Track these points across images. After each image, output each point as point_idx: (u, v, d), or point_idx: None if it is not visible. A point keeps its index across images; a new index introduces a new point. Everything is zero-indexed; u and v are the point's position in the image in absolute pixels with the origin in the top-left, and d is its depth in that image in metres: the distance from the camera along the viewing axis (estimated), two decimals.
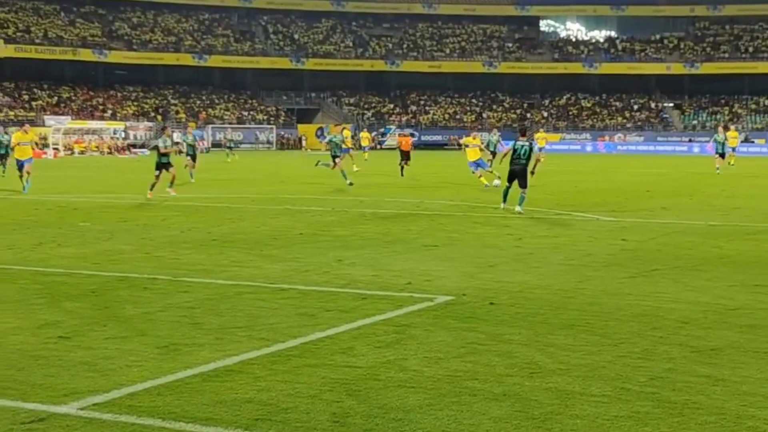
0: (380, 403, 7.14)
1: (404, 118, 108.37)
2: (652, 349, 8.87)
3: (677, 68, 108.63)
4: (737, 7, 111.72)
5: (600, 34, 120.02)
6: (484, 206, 24.99)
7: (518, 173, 23.55)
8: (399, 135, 44.94)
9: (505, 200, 23.79)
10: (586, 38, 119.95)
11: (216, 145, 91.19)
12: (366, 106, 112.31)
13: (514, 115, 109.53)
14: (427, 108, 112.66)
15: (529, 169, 24.78)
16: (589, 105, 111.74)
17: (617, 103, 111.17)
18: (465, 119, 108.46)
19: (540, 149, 39.07)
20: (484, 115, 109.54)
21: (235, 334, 9.39)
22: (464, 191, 30.90)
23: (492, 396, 7.36)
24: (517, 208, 22.90)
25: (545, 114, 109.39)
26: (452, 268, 13.98)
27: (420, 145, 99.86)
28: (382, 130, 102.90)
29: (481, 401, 7.23)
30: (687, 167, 52.57)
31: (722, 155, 43.77)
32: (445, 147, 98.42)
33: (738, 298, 11.57)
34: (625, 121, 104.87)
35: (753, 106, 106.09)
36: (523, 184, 23.49)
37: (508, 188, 24.01)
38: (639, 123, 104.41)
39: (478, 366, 8.22)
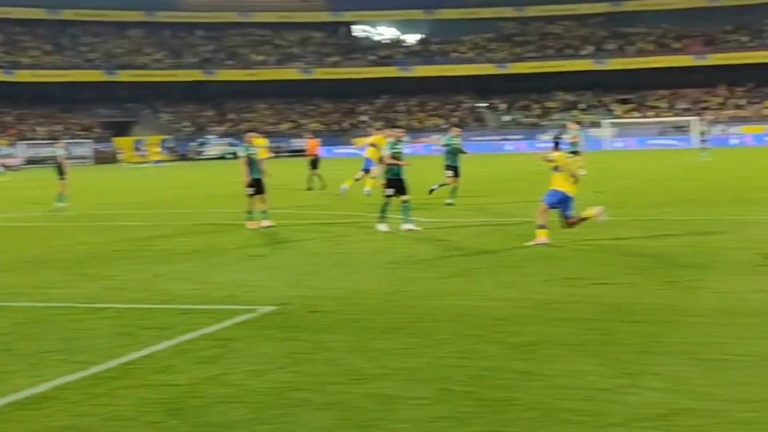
0: (202, 420, 7.06)
1: (223, 128, 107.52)
2: (472, 348, 9.04)
3: (488, 69, 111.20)
4: (540, 8, 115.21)
5: (413, 38, 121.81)
6: (305, 213, 25.00)
7: (399, 180, 20.44)
8: (309, 138, 38.75)
9: (385, 216, 20.34)
10: (400, 41, 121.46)
11: (30, 161, 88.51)
12: (184, 116, 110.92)
13: (333, 120, 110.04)
14: (245, 116, 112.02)
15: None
16: (406, 107, 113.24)
17: (433, 104, 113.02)
18: (283, 126, 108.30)
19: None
20: (303, 122, 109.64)
21: (50, 358, 9.11)
22: (288, 199, 30.84)
23: (316, 405, 7.36)
24: (405, 226, 19.97)
25: (364, 118, 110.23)
26: (275, 277, 13.94)
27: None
28: (200, 140, 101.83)
29: (305, 411, 7.23)
30: (502, 165, 53.82)
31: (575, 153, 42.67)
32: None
33: (552, 292, 11.91)
34: (441, 121, 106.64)
35: (561, 103, 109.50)
36: (403, 191, 20.31)
37: (389, 198, 20.34)
38: (454, 123, 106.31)
39: (302, 375, 8.21)
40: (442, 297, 11.84)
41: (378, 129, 38.99)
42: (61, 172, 30.59)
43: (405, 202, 20.04)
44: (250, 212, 21.69)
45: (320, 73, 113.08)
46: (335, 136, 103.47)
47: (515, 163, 54.60)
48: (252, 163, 21.88)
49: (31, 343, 9.87)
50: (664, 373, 8.00)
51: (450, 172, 25.93)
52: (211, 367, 8.58)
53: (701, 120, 72.59)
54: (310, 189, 34.78)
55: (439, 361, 8.59)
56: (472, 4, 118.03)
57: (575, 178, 17.21)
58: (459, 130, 28.16)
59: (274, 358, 8.86)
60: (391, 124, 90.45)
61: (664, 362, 8.37)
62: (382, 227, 19.78)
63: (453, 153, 26.54)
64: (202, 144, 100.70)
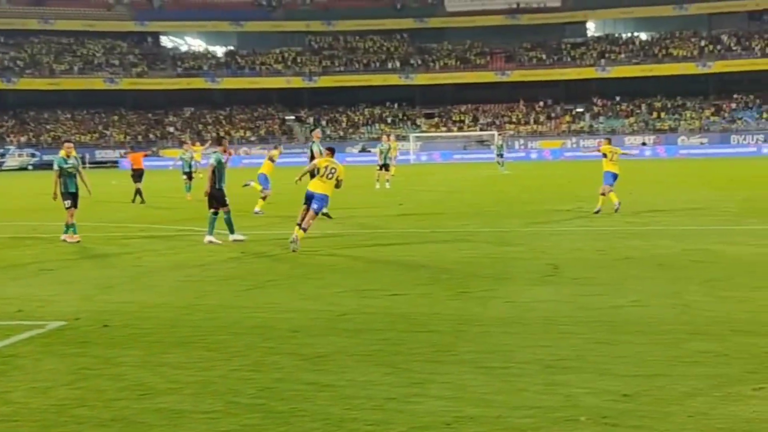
0: None
1: (24, 138, 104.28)
2: (263, 360, 9.04)
3: (296, 82, 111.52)
4: (349, 22, 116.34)
5: (221, 49, 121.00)
6: (105, 225, 24.48)
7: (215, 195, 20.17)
8: (132, 153, 36.83)
9: (211, 230, 20.05)
10: (207, 53, 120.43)
11: None
12: None
13: (139, 131, 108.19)
14: (48, 127, 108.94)
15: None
16: (214, 119, 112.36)
17: (241, 116, 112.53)
18: (87, 137, 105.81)
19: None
20: (108, 132, 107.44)
21: None
22: (86, 212, 30.07)
23: (100, 422, 7.23)
24: (232, 237, 19.92)
25: (171, 129, 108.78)
26: (68, 291, 13.59)
27: (42, 165, 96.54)
28: (0, 151, 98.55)
29: (88, 428, 7.09)
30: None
31: (386, 166, 42.22)
32: None
33: (347, 303, 12.02)
34: (249, 134, 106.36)
35: (368, 116, 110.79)
36: (222, 203, 20.11)
37: (215, 214, 20.13)
38: (263, 135, 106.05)
39: (88, 392, 8.04)
40: (237, 309, 11.79)
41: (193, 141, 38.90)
42: None
43: (227, 213, 20.06)
44: (70, 225, 20.92)
45: (126, 84, 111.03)
46: (141, 147, 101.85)
47: None
48: (68, 176, 21.01)
49: None
50: (451, 382, 8.18)
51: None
52: None
53: (498, 135, 74.65)
54: (136, 201, 33.90)
55: (230, 374, 8.55)
56: (281, 18, 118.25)
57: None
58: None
59: (59, 375, 8.64)
60: (198, 137, 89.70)
61: (451, 371, 8.56)
62: (211, 239, 19.72)
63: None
64: (1, 155, 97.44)
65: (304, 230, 18.34)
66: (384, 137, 43.01)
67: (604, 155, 27.29)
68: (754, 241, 17.82)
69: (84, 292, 13.55)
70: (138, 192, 34.42)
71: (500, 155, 57.94)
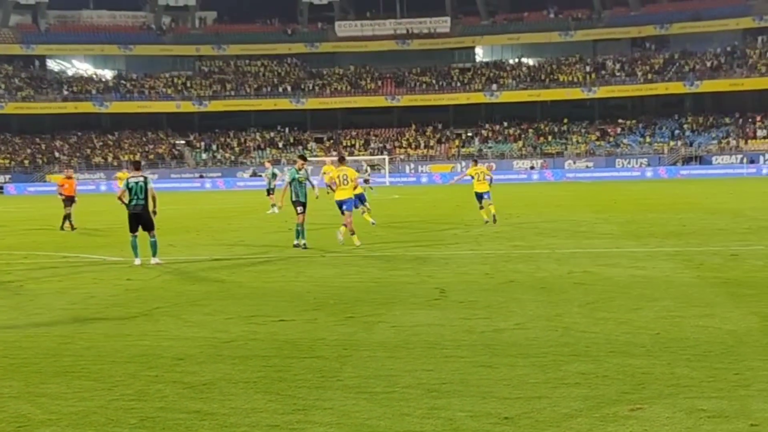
0: None
1: None
2: (146, 389, 8.94)
3: (186, 106, 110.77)
4: (240, 46, 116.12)
5: (109, 73, 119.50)
6: None
7: (138, 215, 20.34)
8: (66, 175, 34.96)
9: (136, 253, 20.35)
10: (95, 77, 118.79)
11: None
12: None
13: (25, 156, 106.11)
14: None
15: (151, 208, 20.49)
16: (102, 143, 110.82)
17: (130, 141, 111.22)
18: None
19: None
20: None
21: None
22: None
23: None
24: (153, 260, 20.11)
25: (57, 154, 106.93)
26: None
27: None
28: None
29: None
30: (198, 203, 53.55)
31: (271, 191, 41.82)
32: None
33: (233, 330, 11.96)
34: (138, 157, 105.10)
35: (260, 141, 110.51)
36: (149, 227, 20.45)
37: (135, 237, 20.46)
38: (152, 160, 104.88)
39: None
40: (120, 338, 11.63)
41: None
42: None
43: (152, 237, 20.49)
44: None
45: (11, 108, 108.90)
46: (28, 173, 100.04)
47: (213, 201, 54.44)
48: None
49: None
50: (335, 408, 8.20)
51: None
52: None
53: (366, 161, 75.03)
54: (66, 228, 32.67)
55: (111, 404, 8.44)
56: (170, 41, 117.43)
57: None
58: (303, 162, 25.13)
59: None
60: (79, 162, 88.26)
61: (335, 397, 8.57)
62: (137, 261, 20.06)
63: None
64: None
65: (352, 231, 23.14)
66: (267, 163, 43.72)
67: (472, 177, 29.26)
68: (631, 263, 18.23)
69: None
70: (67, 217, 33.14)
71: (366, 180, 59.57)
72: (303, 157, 24.80)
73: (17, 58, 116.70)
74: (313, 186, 24.54)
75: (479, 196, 29.38)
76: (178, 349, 10.81)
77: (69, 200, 33.62)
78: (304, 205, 23.39)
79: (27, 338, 11.78)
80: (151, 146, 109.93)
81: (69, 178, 34.79)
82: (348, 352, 10.49)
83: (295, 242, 23.35)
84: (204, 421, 7.85)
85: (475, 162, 30.65)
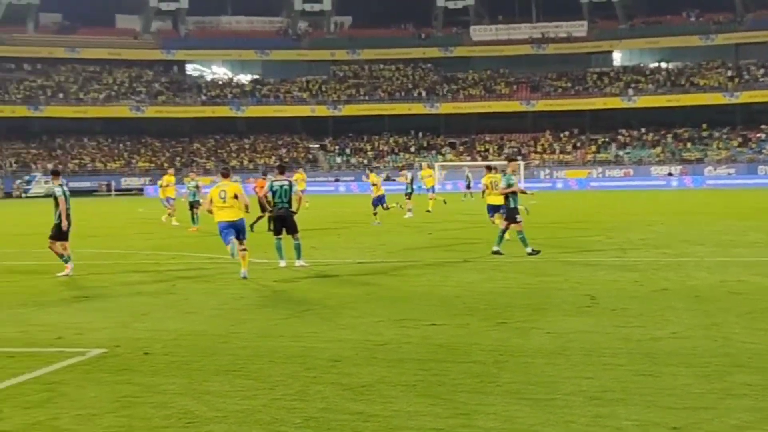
0: None
1: (50, 165, 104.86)
2: (306, 390, 9.01)
3: (321, 110, 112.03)
4: (374, 51, 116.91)
5: (246, 78, 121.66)
6: (134, 253, 24.56)
7: (282, 218, 20.55)
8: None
9: (281, 255, 20.43)
10: (232, 82, 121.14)
11: None
12: (8, 153, 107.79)
13: (164, 159, 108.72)
14: (73, 154, 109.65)
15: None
16: (238, 147, 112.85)
17: (265, 144, 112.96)
18: (114, 164, 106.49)
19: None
20: (133, 159, 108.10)
21: None
22: (115, 239, 30.28)
23: None
24: (298, 263, 20.20)
25: (196, 157, 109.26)
26: (104, 318, 13.61)
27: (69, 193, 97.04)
28: (26, 177, 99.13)
29: None
30: (335, 206, 54.04)
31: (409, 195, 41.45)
32: (95, 193, 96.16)
33: (386, 333, 11.98)
34: (275, 162, 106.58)
35: (393, 145, 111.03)
36: (293, 230, 20.50)
37: (279, 240, 20.58)
38: (287, 163, 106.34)
39: (134, 420, 8.03)
40: (275, 338, 11.76)
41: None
42: None
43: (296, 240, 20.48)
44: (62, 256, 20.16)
45: (152, 111, 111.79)
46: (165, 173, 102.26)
47: (347, 204, 54.88)
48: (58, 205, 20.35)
49: None
50: (497, 413, 8.13)
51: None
52: (40, 412, 8.30)
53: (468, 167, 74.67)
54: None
55: (273, 403, 8.52)
56: (306, 46, 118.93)
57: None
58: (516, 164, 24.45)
59: (104, 402, 8.64)
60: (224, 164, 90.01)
61: (495, 402, 8.50)
62: (282, 263, 20.18)
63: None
64: (27, 182, 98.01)
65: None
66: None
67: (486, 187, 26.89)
68: None
69: (120, 319, 13.56)
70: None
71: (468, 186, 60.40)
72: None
73: (158, 63, 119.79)
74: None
75: (493, 209, 26.48)
76: (333, 351, 10.87)
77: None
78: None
79: (185, 337, 12.00)
80: (286, 150, 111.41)
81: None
82: (504, 358, 10.40)
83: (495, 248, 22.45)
84: (368, 423, 7.87)
85: (489, 169, 27.47)
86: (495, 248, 22.16)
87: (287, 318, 13.42)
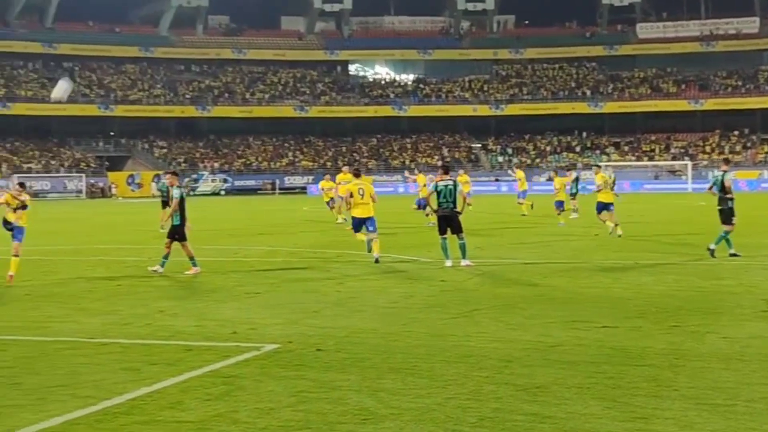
0: None
1: (217, 164, 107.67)
2: (479, 389, 9.00)
3: (483, 110, 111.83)
4: (538, 50, 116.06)
5: (408, 77, 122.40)
6: (303, 251, 24.97)
7: (447, 218, 20.60)
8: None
9: (447, 255, 20.47)
10: (395, 81, 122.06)
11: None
12: (178, 151, 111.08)
13: (327, 158, 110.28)
14: (239, 153, 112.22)
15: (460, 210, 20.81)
16: (400, 146, 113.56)
17: (427, 144, 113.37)
18: (278, 164, 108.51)
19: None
20: (297, 159, 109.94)
21: (58, 393, 9.05)
22: (282, 237, 30.86)
23: None
24: (463, 262, 20.15)
25: (357, 156, 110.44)
26: (276, 315, 13.89)
27: (233, 191, 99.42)
28: (194, 176, 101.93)
29: None
30: (496, 206, 53.84)
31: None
32: (259, 191, 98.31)
33: (557, 334, 11.87)
34: (437, 161, 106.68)
35: (556, 145, 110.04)
36: (457, 229, 20.57)
37: (444, 239, 20.62)
38: (448, 162, 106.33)
39: (311, 414, 8.16)
40: (445, 338, 11.79)
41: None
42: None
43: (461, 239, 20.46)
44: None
45: (315, 111, 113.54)
46: (331, 174, 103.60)
47: (509, 205, 54.59)
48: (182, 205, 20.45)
49: (37, 377, 9.81)
50: (675, 418, 7.96)
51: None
52: (220, 405, 8.52)
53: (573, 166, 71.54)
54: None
55: (447, 402, 8.54)
56: (468, 46, 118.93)
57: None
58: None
59: (281, 397, 8.80)
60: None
61: (673, 407, 8.33)
62: (448, 263, 20.18)
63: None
64: (195, 180, 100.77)
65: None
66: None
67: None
68: None
69: (291, 316, 13.80)
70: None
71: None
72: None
73: (321, 63, 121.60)
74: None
75: (604, 207, 28.33)
76: (504, 351, 10.83)
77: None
78: None
79: (356, 334, 12.14)
80: (448, 150, 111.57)
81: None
82: (680, 362, 10.18)
83: None
84: (543, 424, 7.81)
85: (600, 168, 29.31)
86: (731, 251, 21.46)
87: (456, 317, 13.44)
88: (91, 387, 9.28)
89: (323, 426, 7.81)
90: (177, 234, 20.18)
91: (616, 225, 27.93)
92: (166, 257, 20.13)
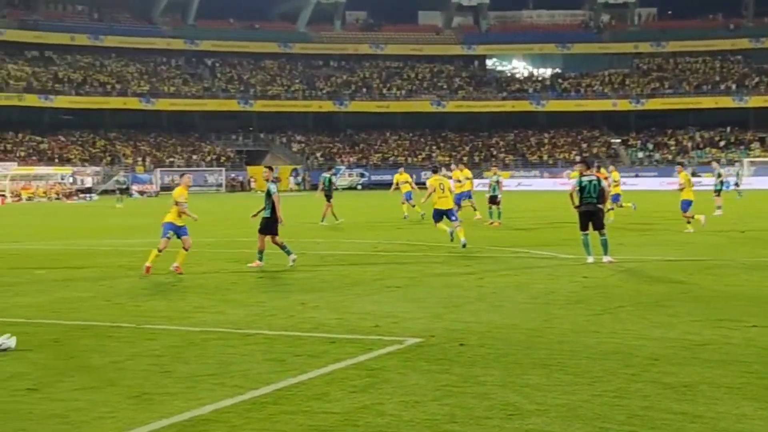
0: None
1: (354, 158, 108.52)
2: (627, 387, 8.86)
3: (623, 104, 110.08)
4: (680, 43, 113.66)
5: (546, 72, 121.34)
6: (442, 246, 24.99)
7: (590, 214, 20.36)
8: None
9: (588, 251, 20.22)
10: (532, 76, 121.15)
11: (165, 188, 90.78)
12: (315, 146, 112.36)
13: (463, 153, 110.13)
14: (376, 148, 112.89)
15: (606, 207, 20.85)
16: (537, 141, 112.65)
17: (565, 139, 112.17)
18: (415, 159, 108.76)
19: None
20: (433, 154, 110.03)
21: (207, 381, 9.26)
22: (421, 231, 30.91)
23: None
24: (605, 258, 19.93)
25: (494, 151, 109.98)
26: (418, 309, 13.92)
27: (370, 185, 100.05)
28: (332, 170, 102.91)
29: None
30: (639, 203, 52.89)
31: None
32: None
33: (704, 333, 11.61)
34: (574, 156, 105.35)
35: (699, 140, 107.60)
36: (599, 226, 20.39)
37: (586, 236, 20.35)
38: (587, 158, 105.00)
39: (456, 408, 8.15)
40: (589, 334, 11.65)
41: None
42: (329, 197, 35.94)
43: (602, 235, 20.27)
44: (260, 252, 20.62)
45: (452, 106, 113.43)
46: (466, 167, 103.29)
47: (651, 201, 53.73)
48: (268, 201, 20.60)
49: (187, 366, 10.05)
50: None
51: None
52: (365, 397, 8.58)
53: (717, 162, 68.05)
54: None
55: (594, 399, 8.42)
56: (608, 39, 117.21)
57: None
58: None
59: (426, 390, 8.81)
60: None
61: None
62: (589, 259, 19.99)
63: None
64: (334, 175, 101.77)
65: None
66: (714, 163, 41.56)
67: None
68: None
69: (433, 310, 13.82)
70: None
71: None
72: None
73: (458, 58, 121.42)
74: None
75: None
76: (651, 349, 10.64)
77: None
78: None
79: (498, 329, 12.08)
80: (586, 145, 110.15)
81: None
82: None
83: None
84: (693, 424, 7.64)
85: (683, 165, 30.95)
86: None
87: (600, 314, 13.26)
88: (239, 377, 9.46)
89: (469, 420, 7.79)
90: (267, 227, 20.48)
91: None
92: (284, 248, 20.46)
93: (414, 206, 36.70)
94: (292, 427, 7.61)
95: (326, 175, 38.43)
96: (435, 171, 26.77)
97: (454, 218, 24.67)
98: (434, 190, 25.07)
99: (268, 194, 20.55)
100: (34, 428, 7.70)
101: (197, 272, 19.68)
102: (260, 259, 20.43)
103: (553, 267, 19.73)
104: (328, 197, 36.12)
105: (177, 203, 19.49)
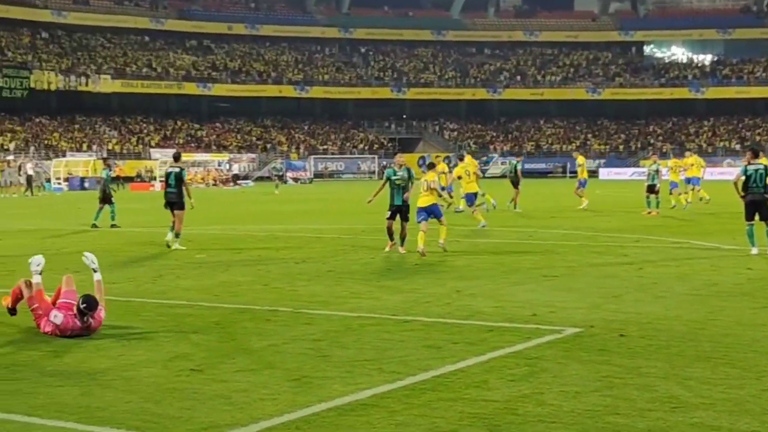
0: None
1: (507, 146, 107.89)
2: None
3: None
4: None
5: (706, 58, 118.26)
6: (599, 235, 24.61)
7: (756, 203, 19.46)
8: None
9: (753, 242, 19.38)
10: (692, 62, 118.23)
11: (318, 175, 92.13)
12: (468, 134, 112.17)
13: (619, 141, 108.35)
14: (529, 135, 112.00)
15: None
16: (696, 129, 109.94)
17: (726, 127, 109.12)
18: (569, 146, 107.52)
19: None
20: (588, 142, 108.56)
21: (365, 366, 9.29)
22: (577, 220, 30.54)
23: (636, 431, 7.13)
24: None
25: (652, 140, 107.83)
26: (575, 299, 13.72)
27: (523, 173, 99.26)
28: (484, 158, 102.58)
29: None
30: None
31: None
32: (550, 174, 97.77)
33: None
34: (735, 145, 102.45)
35: None
36: (766, 216, 19.39)
37: (751, 226, 19.53)
38: (746, 147, 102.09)
39: (618, 400, 7.98)
40: (756, 328, 11.27)
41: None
42: (516, 183, 36.36)
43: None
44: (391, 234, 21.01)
45: (608, 94, 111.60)
46: (621, 158, 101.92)
47: None
48: (396, 188, 20.88)
49: (345, 350, 10.10)
50: None
51: None
52: (524, 386, 8.47)
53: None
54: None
55: (763, 394, 8.13)
56: None
57: None
58: None
59: (586, 381, 8.65)
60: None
61: None
62: (754, 251, 19.26)
63: None
64: (485, 162, 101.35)
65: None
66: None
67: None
68: None
69: (591, 300, 13.60)
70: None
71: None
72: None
73: (615, 44, 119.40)
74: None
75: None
76: None
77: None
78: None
79: (660, 321, 11.79)
80: (748, 133, 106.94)
81: None
82: None
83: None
84: None
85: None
86: None
87: (766, 307, 12.83)
88: (397, 362, 9.46)
89: (632, 412, 7.61)
90: (399, 212, 20.94)
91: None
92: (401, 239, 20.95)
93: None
94: (451, 414, 7.56)
95: (514, 161, 38.46)
96: (461, 159, 30.30)
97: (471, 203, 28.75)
98: (459, 178, 29.58)
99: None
100: (200, 408, 7.84)
101: (352, 258, 19.83)
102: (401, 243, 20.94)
103: (715, 258, 19.18)
104: (515, 183, 36.01)
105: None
